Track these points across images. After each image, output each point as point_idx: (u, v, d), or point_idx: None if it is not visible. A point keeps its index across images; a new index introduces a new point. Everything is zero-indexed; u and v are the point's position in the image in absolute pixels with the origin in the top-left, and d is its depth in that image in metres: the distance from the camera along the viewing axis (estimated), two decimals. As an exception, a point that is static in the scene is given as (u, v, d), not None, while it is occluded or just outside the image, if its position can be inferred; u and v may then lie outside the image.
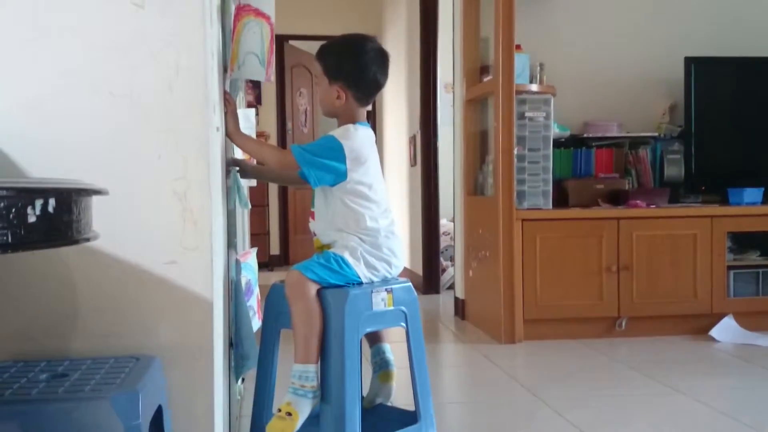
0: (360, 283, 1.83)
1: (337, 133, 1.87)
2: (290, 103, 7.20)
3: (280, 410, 1.75)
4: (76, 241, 0.96)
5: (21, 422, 1.09)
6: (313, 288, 1.77)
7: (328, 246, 1.89)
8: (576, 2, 4.07)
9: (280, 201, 7.11)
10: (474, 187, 4.09)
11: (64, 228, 0.93)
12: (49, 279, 1.38)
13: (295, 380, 1.76)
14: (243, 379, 2.41)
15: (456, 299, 4.38)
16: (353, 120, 1.91)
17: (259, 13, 1.97)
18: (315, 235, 1.94)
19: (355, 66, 1.89)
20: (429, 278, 5.18)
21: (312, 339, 1.76)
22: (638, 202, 3.68)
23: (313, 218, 1.94)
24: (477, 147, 4.10)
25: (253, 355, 1.99)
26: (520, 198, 3.57)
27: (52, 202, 0.89)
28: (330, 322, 1.77)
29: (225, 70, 1.89)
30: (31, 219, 0.86)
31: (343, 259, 1.81)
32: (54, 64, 1.37)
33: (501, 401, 2.64)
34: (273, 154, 2.00)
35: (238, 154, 2.26)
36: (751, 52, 4.00)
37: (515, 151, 3.54)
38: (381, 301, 1.83)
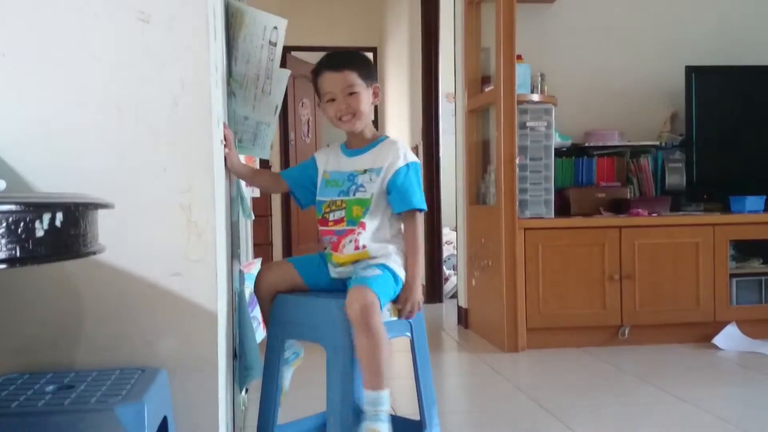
0: None
1: (405, 152, 1.91)
2: (293, 113, 7.23)
3: None
4: (82, 255, 0.97)
5: (28, 434, 1.10)
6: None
7: (365, 255, 1.88)
8: (576, 12, 4.09)
9: (283, 211, 7.12)
10: (476, 197, 4.10)
11: (71, 242, 0.94)
12: (55, 291, 1.39)
13: (369, 407, 1.74)
14: (246, 390, 2.42)
15: (459, 308, 4.38)
16: (372, 123, 1.99)
17: None
18: (359, 248, 1.89)
19: (373, 66, 2.01)
20: (432, 287, 5.19)
21: (384, 365, 1.74)
22: (640, 210, 3.69)
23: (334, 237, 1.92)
24: (479, 156, 4.12)
25: (257, 366, 2.00)
26: (522, 207, 3.58)
27: (59, 216, 0.91)
28: (336, 334, 1.78)
29: (229, 83, 1.91)
30: (39, 233, 0.87)
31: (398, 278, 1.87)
32: (61, 79, 1.38)
33: (505, 410, 2.65)
34: (419, 236, 1.91)
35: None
36: (751, 60, 4.02)
37: (517, 161, 3.55)
38: (386, 311, 1.84)
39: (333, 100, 1.90)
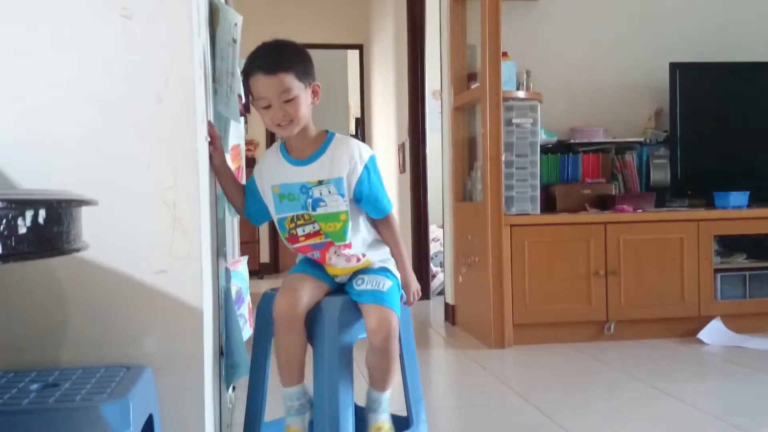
0: None
1: (360, 150, 1.79)
2: (279, 111, 7.20)
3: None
4: (66, 252, 0.96)
5: (12, 433, 1.09)
6: None
7: (366, 263, 1.85)
8: (562, 10, 4.11)
9: (269, 209, 7.10)
10: (463, 194, 4.11)
11: (55, 239, 0.94)
12: (39, 289, 1.38)
13: (374, 404, 1.86)
14: (234, 388, 2.42)
15: (446, 305, 4.39)
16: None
17: None
18: (361, 260, 1.83)
19: (311, 61, 1.80)
20: (419, 284, 5.19)
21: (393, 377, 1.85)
22: (625, 206, 3.71)
23: (326, 257, 1.82)
24: (465, 153, 4.13)
25: (243, 364, 1.99)
26: (508, 204, 3.59)
27: (42, 213, 0.90)
28: (324, 330, 1.77)
29: (214, 80, 1.90)
30: (22, 230, 0.87)
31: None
32: (44, 75, 1.37)
33: (492, 406, 2.66)
34: (398, 231, 1.90)
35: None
36: (734, 57, 4.05)
37: (503, 158, 3.56)
38: None
39: (269, 106, 1.72)
